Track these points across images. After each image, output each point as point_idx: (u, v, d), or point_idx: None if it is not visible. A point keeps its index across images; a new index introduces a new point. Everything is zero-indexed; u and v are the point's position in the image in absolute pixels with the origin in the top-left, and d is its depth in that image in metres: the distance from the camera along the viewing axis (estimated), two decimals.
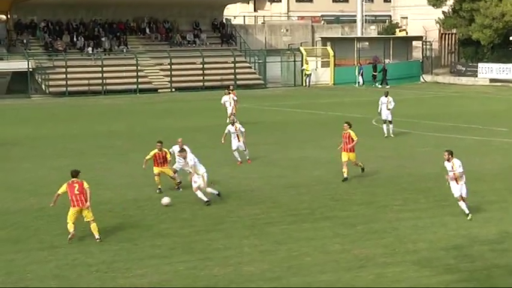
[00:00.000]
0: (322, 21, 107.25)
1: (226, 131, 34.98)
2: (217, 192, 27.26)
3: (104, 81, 77.74)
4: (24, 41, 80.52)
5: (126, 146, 41.17)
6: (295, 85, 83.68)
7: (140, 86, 78.20)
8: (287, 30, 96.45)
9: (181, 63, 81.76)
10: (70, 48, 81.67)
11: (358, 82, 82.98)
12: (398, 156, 36.47)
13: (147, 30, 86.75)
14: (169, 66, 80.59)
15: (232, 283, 18.57)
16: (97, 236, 22.31)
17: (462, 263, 19.76)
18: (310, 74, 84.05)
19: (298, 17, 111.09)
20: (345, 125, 30.80)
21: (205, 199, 26.66)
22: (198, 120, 51.97)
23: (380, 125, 43.26)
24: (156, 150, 28.92)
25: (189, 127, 47.92)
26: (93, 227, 22.41)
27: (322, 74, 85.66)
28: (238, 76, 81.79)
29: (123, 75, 79.35)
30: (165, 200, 26.77)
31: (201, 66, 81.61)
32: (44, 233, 23.40)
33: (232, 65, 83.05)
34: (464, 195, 23.51)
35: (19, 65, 76.69)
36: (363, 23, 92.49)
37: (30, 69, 76.64)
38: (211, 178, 28.01)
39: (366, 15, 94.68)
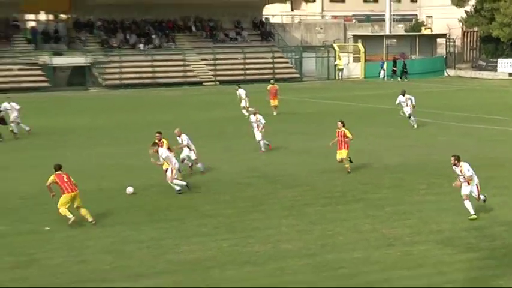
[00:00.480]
0: (354, 20, 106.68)
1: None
2: (185, 183, 26.39)
3: (154, 74, 78.12)
4: (83, 39, 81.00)
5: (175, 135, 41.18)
6: (329, 79, 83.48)
7: (187, 80, 78.44)
8: (321, 28, 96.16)
9: (224, 59, 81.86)
10: (123, 45, 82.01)
11: (380, 76, 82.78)
12: (423, 145, 36.28)
13: (194, 29, 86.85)
14: (213, 61, 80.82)
15: (270, 259, 18.64)
16: (91, 219, 22.18)
17: (482, 242, 19.69)
18: (343, 69, 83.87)
19: (331, 16, 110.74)
20: (339, 123, 29.71)
21: (177, 188, 26.08)
22: (240, 111, 51.99)
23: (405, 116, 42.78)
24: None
25: (232, 117, 47.97)
26: (84, 211, 22.24)
27: (353, 69, 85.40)
28: (276, 70, 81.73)
29: (171, 70, 79.64)
30: (129, 190, 26.21)
31: (243, 61, 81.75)
32: (101, 212, 23.58)
33: (271, 60, 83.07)
34: (475, 195, 22.16)
35: (78, 60, 77.26)
36: (391, 22, 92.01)
37: (88, 64, 77.16)
38: (254, 164, 27.98)
39: (394, 15, 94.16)
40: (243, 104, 48.93)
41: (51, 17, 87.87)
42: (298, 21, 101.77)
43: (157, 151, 26.23)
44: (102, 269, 18.03)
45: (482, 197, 22.44)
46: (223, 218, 22.73)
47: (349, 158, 29.42)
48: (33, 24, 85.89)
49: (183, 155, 29.61)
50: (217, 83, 79.36)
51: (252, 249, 19.44)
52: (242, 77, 79.79)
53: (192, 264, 18.34)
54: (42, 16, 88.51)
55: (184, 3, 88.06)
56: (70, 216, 21.89)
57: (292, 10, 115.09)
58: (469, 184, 21.95)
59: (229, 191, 26.44)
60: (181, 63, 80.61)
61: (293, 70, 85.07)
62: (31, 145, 38.18)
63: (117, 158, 33.99)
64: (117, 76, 77.90)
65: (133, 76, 77.89)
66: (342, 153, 29.32)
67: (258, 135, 34.35)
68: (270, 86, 50.50)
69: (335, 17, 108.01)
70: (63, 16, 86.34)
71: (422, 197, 25.03)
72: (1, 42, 77.89)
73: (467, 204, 21.93)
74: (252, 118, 34.72)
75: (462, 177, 21.94)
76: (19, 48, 78.42)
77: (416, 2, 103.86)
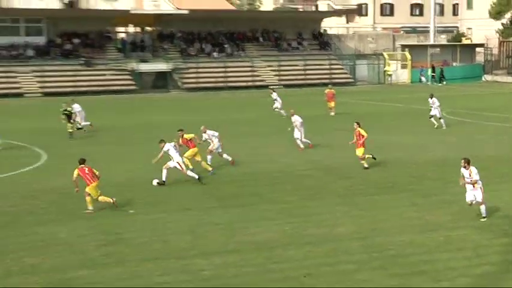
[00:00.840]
0: (402, 31, 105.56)
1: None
2: (160, 181, 25.69)
3: (226, 79, 78.42)
4: (165, 48, 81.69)
5: (242, 130, 41.32)
6: (379, 83, 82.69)
7: (254, 83, 78.56)
8: (373, 38, 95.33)
9: (287, 65, 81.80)
10: (200, 53, 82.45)
11: (421, 81, 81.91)
12: (463, 142, 35.69)
13: (261, 39, 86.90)
14: (277, 68, 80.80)
15: (327, 240, 18.55)
16: (113, 200, 22.16)
17: None
18: (391, 74, 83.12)
19: (382, 28, 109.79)
20: (355, 124, 29.11)
21: (163, 179, 25.56)
22: (302, 111, 51.83)
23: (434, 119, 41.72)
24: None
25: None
26: (102, 198, 22.18)
27: (401, 74, 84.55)
28: (333, 76, 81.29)
29: (241, 74, 79.91)
30: (155, 182, 25.88)
31: (303, 67, 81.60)
32: (179, 198, 23.73)
33: (328, 66, 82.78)
34: (479, 199, 20.45)
35: (161, 66, 78.03)
36: (435, 33, 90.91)
37: (169, 70, 77.87)
38: (312, 158, 27.85)
39: (437, 27, 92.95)
40: (276, 105, 48.66)
41: (138, 29, 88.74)
42: (353, 33, 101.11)
43: (163, 147, 25.91)
44: (181, 247, 18.13)
45: (484, 212, 20.49)
46: (285, 205, 22.68)
47: (372, 155, 28.88)
48: (123, 35, 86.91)
49: (213, 149, 29.17)
50: (282, 86, 79.30)
51: (310, 232, 19.36)
52: (303, 81, 79.64)
53: (258, 244, 18.34)
54: (131, 29, 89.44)
55: (253, 17, 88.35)
56: (109, 199, 22.03)
57: (347, 22, 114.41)
58: (474, 187, 20.42)
59: (290, 181, 26.37)
60: (249, 69, 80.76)
61: (347, 75, 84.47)
62: (118, 140, 38.51)
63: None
64: (194, 80, 78.33)
65: (208, 80, 78.28)
66: (358, 151, 28.84)
67: (297, 134, 33.72)
68: (327, 90, 50.28)
69: (385, 28, 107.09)
70: (148, 28, 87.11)
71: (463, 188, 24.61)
72: (96, 51, 78.98)
73: (482, 208, 20.45)
74: (292, 118, 34.23)
75: (469, 179, 20.47)
76: (111, 56, 79.41)
77: (457, 15, 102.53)
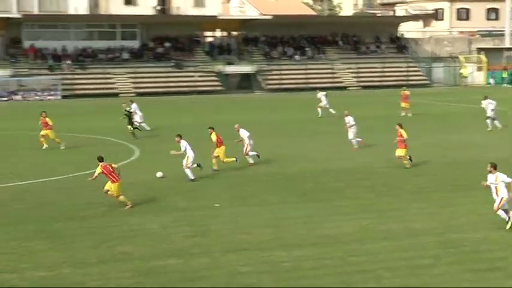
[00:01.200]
0: (477, 35, 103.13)
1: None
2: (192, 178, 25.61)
3: (307, 80, 78.20)
4: (250, 51, 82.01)
5: (320, 129, 41.07)
6: (455, 85, 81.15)
7: (334, 85, 78.09)
8: (449, 42, 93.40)
9: (366, 68, 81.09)
10: (282, 56, 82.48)
11: (490, 83, 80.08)
12: None
13: (340, 43, 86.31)
14: (356, 70, 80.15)
15: (403, 236, 18.20)
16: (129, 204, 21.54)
17: None
18: (467, 76, 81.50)
19: (458, 31, 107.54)
20: (397, 126, 28.30)
21: (191, 177, 25.50)
22: (378, 111, 51.29)
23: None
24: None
25: (372, 116, 47.28)
26: (123, 198, 21.63)
27: (477, 76, 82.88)
28: (409, 78, 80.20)
29: (321, 76, 79.59)
30: (159, 174, 25.69)
31: (381, 69, 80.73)
32: (262, 193, 23.69)
33: (405, 69, 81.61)
34: (504, 206, 18.65)
35: (246, 68, 78.47)
36: (510, 36, 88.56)
37: (254, 72, 78.20)
38: (388, 155, 27.47)
39: None
40: (323, 105, 48.60)
41: (225, 33, 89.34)
42: (429, 37, 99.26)
43: (179, 141, 25.74)
44: (262, 239, 18.08)
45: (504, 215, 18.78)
46: (363, 200, 22.39)
47: (409, 156, 28.04)
48: (210, 39, 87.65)
49: (248, 150, 28.85)
50: (360, 87, 78.63)
51: (387, 227, 19.04)
52: (380, 83, 78.75)
53: (336, 238, 18.14)
54: (218, 33, 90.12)
55: (333, 21, 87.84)
56: (128, 202, 21.44)
57: (423, 27, 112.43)
58: (497, 193, 18.65)
59: (368, 178, 26.04)
60: (329, 71, 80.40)
61: (424, 77, 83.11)
62: (204, 136, 38.62)
63: (272, 147, 34.10)
64: (277, 81, 78.42)
65: (290, 82, 78.25)
66: (398, 151, 28.05)
67: (350, 134, 33.09)
68: (402, 91, 49.60)
69: (461, 32, 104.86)
70: (234, 33, 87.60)
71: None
72: (186, 54, 79.90)
73: (501, 213, 18.84)
74: (346, 119, 33.61)
75: (494, 185, 18.78)
76: (199, 59, 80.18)
77: None
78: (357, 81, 79.63)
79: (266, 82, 78.38)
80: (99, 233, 18.75)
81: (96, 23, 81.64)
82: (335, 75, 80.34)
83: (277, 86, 77.25)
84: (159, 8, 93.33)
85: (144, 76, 76.04)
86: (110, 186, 21.45)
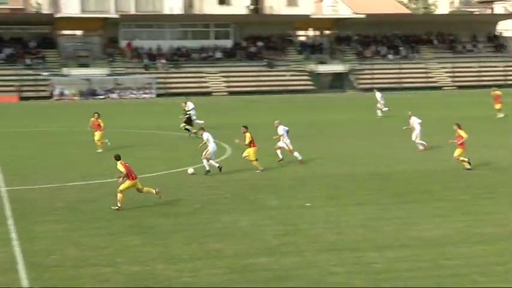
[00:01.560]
0: None
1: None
2: (217, 165, 26.76)
3: (400, 80, 77.23)
4: (342, 50, 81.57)
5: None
6: None
7: (428, 84, 76.88)
8: None
9: (462, 67, 79.60)
10: (375, 55, 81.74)
11: None
12: None
13: (435, 42, 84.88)
14: (451, 69, 78.59)
15: (500, 240, 17.64)
16: (155, 191, 21.54)
17: None
18: None
19: None
20: (455, 126, 27.70)
21: (207, 168, 26.44)
22: (474, 111, 50.14)
23: None
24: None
25: (467, 116, 46.16)
26: (146, 189, 21.52)
27: None
28: (507, 77, 78.24)
29: (414, 76, 78.49)
30: (190, 170, 26.42)
31: (477, 69, 79.00)
32: (353, 193, 23.48)
33: (503, 68, 79.46)
34: None
35: (338, 67, 78.21)
36: None
37: (346, 71, 77.78)
38: (486, 157, 26.71)
39: None
40: (379, 105, 48.37)
41: (317, 32, 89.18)
42: None
43: (202, 133, 27.03)
44: (354, 239, 17.89)
45: None
46: (457, 202, 21.86)
47: (468, 159, 27.20)
48: (303, 38, 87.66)
49: (279, 144, 29.02)
50: (455, 87, 77.07)
51: (482, 231, 18.51)
52: (477, 83, 76.99)
53: (429, 240, 17.77)
54: (310, 32, 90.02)
55: (428, 20, 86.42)
56: (120, 204, 21.08)
57: None
58: None
59: (463, 180, 25.42)
60: (423, 70, 79.18)
61: None
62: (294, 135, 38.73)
63: (376, 147, 33.80)
64: (369, 81, 77.76)
65: (382, 81, 77.46)
66: (456, 152, 27.36)
67: (413, 136, 32.49)
68: (493, 92, 48.57)
69: None
70: (327, 32, 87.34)
71: None
72: (278, 53, 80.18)
73: None
74: (410, 120, 32.83)
75: None
76: (291, 58, 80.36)
77: None
78: (452, 81, 78.14)
79: (358, 81, 77.85)
80: (192, 229, 18.98)
81: (190, 22, 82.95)
82: (429, 75, 79.07)
83: (370, 86, 76.61)
84: (252, 7, 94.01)
85: (236, 75, 76.76)
86: (126, 184, 21.22)
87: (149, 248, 17.28)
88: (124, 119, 49.55)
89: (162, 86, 73.86)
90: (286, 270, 15.57)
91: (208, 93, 73.87)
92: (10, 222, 19.78)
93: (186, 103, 40.90)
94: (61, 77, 73.74)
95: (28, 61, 75.81)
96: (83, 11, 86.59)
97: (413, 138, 32.63)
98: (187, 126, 39.06)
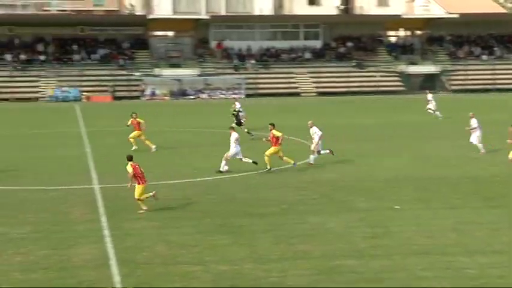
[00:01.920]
0: None
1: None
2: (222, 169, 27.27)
3: (495, 81, 75.35)
4: (434, 50, 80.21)
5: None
6: None
7: None
8: None
9: None
10: (468, 56, 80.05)
11: None
12: None
13: None
14: None
15: None
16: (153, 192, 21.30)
17: None
18: None
19: None
20: (510, 127, 26.97)
21: (222, 169, 27.09)
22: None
23: None
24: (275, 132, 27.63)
25: None
26: (141, 200, 21.05)
27: None
28: None
29: (510, 77, 76.49)
30: (225, 168, 27.26)
31: None
32: (445, 196, 23.02)
33: None
34: None
35: (429, 68, 77.04)
36: None
37: (437, 72, 76.50)
38: None
39: None
40: (430, 106, 48.01)
41: (408, 33, 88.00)
42: None
43: (231, 133, 27.61)
44: (445, 243, 17.55)
45: None
46: (507, 209, 21.09)
47: None
48: (393, 39, 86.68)
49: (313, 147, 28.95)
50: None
51: None
52: None
53: None
54: (401, 32, 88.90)
55: None
56: (144, 207, 20.94)
57: None
58: None
59: (494, 188, 24.43)
60: None
61: None
62: (385, 137, 38.22)
63: (458, 149, 33.06)
64: (461, 82, 76.21)
65: (475, 82, 75.80)
66: (510, 154, 26.38)
67: (473, 138, 31.54)
68: None
69: None
70: (418, 32, 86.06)
71: None
72: (368, 54, 79.55)
73: None
74: (471, 121, 31.83)
75: None
76: (381, 59, 79.57)
77: None
78: None
79: (450, 82, 76.40)
80: (280, 230, 19.02)
81: (280, 23, 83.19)
82: None
83: (462, 87, 75.04)
84: (342, 7, 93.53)
85: (325, 76, 76.53)
86: (140, 189, 21.06)
87: (237, 247, 17.41)
88: (212, 119, 50.14)
89: (251, 86, 74.36)
90: (374, 273, 15.41)
91: (297, 94, 73.89)
92: (103, 219, 20.30)
93: (235, 103, 41.87)
94: (153, 77, 75.20)
95: (121, 61, 77.63)
96: (175, 12, 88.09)
97: (472, 140, 31.78)
98: (246, 130, 38.88)
